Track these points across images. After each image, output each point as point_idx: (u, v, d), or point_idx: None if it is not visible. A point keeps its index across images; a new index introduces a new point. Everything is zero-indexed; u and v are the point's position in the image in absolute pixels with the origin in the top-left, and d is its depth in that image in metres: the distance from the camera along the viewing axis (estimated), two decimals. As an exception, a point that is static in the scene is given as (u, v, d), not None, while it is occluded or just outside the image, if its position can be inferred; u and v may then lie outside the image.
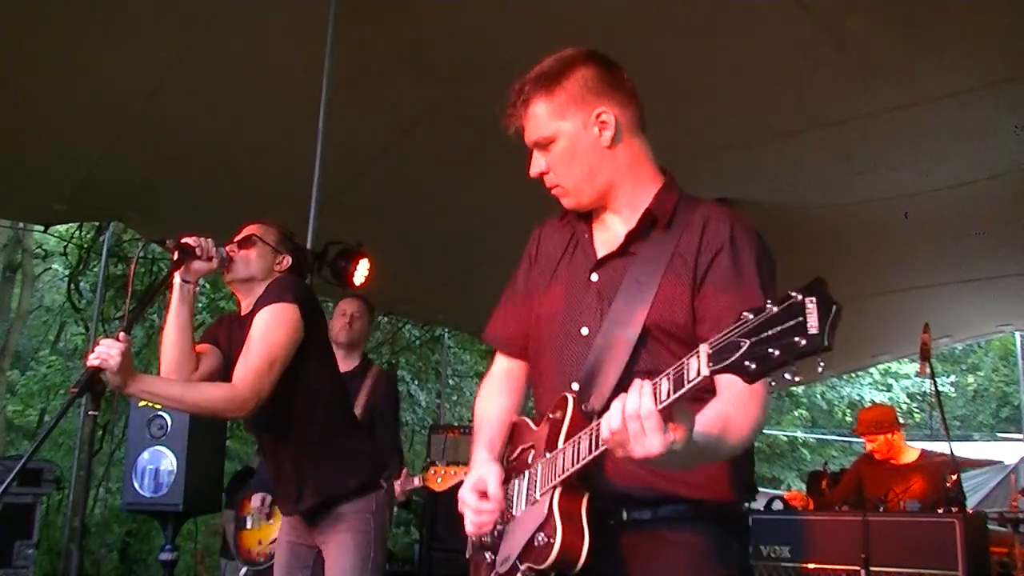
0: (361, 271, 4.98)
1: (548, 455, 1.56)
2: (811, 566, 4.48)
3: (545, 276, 1.81)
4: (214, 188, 5.28)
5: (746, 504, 1.73)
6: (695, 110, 4.48)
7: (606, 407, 1.41)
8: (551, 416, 1.60)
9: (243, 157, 5.00)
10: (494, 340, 1.94)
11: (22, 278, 11.61)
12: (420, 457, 10.98)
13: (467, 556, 1.79)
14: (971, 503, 6.60)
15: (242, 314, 2.82)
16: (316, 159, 4.00)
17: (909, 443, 5.19)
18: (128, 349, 2.25)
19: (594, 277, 1.69)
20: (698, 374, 1.19)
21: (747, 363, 1.12)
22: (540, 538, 1.49)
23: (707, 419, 1.41)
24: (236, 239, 2.81)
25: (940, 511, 4.31)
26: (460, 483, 3.36)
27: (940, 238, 6.10)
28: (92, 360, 2.21)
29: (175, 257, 2.61)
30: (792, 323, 1.07)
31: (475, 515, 1.66)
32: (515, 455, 1.72)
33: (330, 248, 4.90)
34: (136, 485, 4.26)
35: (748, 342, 1.12)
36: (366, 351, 4.55)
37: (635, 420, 1.27)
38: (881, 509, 4.50)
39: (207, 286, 10.93)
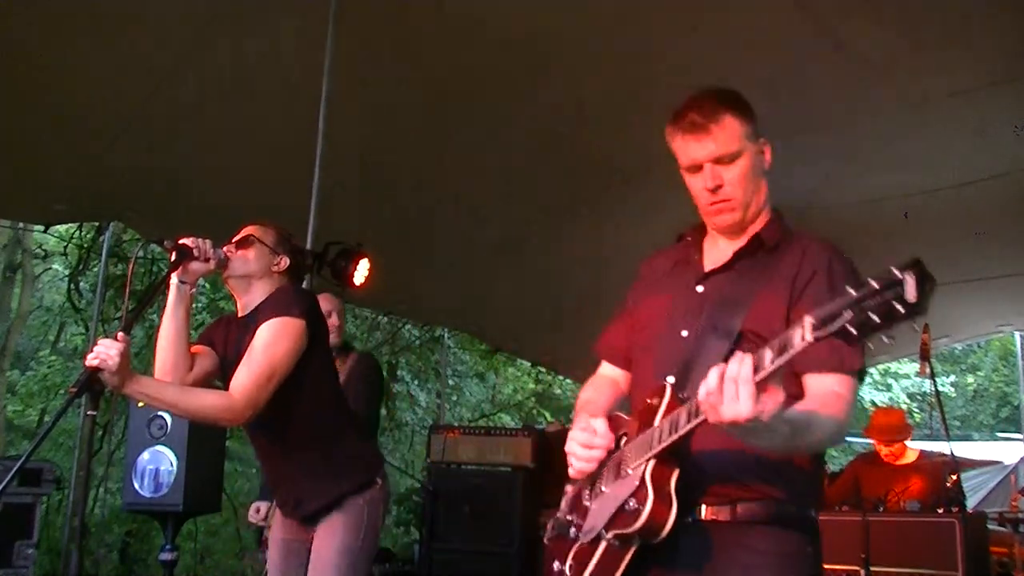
0: (361, 271, 4.97)
1: (640, 435, 1.66)
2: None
3: (651, 289, 1.97)
4: (214, 188, 5.28)
5: (814, 511, 1.81)
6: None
7: None
8: (648, 401, 1.69)
9: (243, 157, 5.00)
10: (600, 351, 2.10)
11: (22, 278, 11.59)
12: (420, 457, 10.97)
13: (545, 541, 1.87)
14: (971, 503, 6.60)
15: (240, 315, 2.82)
16: (316, 159, 4.00)
17: (907, 443, 5.20)
18: (126, 349, 2.25)
19: (700, 288, 1.84)
20: (802, 339, 1.30)
21: (849, 327, 1.24)
22: (630, 504, 1.58)
23: (798, 412, 1.54)
24: (234, 239, 2.81)
25: (940, 511, 4.31)
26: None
27: (940, 238, 6.09)
28: (91, 360, 2.21)
29: (172, 258, 2.60)
30: (891, 294, 1.21)
31: (584, 450, 1.77)
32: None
33: (330, 248, 4.89)
34: (136, 485, 4.25)
35: (850, 312, 1.24)
36: (367, 351, 4.60)
37: (731, 383, 1.38)
38: (881, 509, 4.50)
39: (207, 286, 10.92)
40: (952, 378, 19.49)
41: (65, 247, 10.35)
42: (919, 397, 17.88)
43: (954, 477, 4.50)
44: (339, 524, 2.76)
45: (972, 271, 6.81)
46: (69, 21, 3.87)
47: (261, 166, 5.03)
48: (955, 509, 4.27)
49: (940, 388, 5.52)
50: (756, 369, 1.38)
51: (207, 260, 2.63)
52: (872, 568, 4.16)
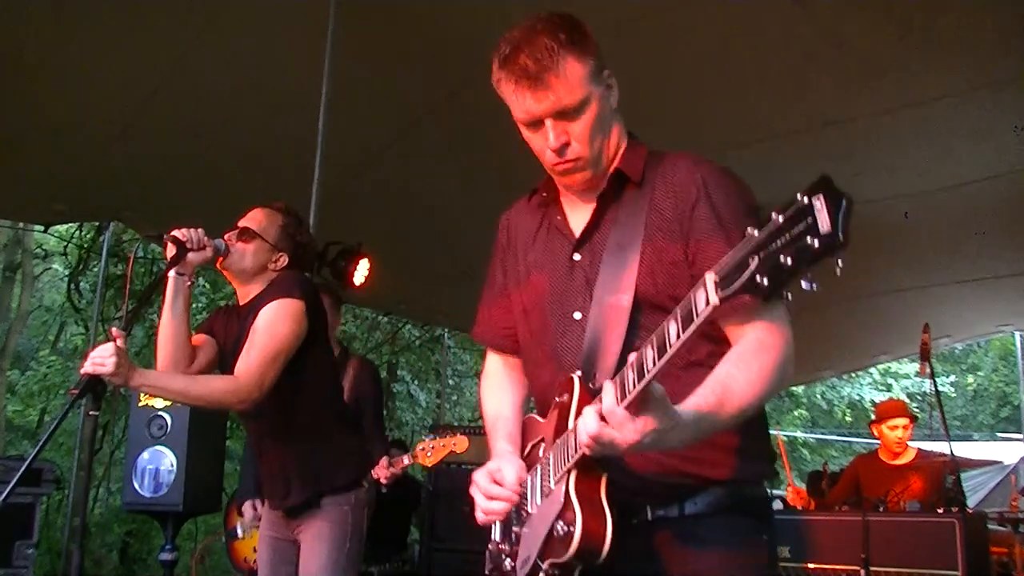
0: (361, 271, 4.98)
1: (557, 441, 1.47)
2: (811, 566, 4.48)
3: (523, 264, 1.72)
4: (214, 188, 5.28)
5: (768, 486, 1.65)
6: (695, 110, 4.48)
7: None
8: (558, 400, 1.52)
9: (243, 157, 4.99)
10: (483, 339, 1.86)
11: (22, 278, 11.59)
12: (420, 457, 10.94)
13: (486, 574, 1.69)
14: (971, 503, 6.61)
15: (241, 303, 2.81)
16: (316, 159, 4.00)
17: (908, 443, 5.20)
18: (122, 348, 2.22)
19: (576, 257, 1.60)
20: (707, 304, 1.10)
21: (759, 278, 1.03)
22: (559, 528, 1.39)
23: (702, 390, 1.34)
24: (239, 224, 2.79)
25: (940, 511, 4.31)
26: (450, 454, 3.34)
27: (940, 238, 6.10)
28: (86, 368, 2.18)
29: (167, 252, 2.58)
30: (801, 227, 1.00)
31: (486, 500, 1.55)
32: (526, 453, 1.64)
33: (330, 248, 4.90)
34: (136, 485, 4.25)
35: (756, 258, 1.04)
36: (367, 351, 4.65)
37: (603, 421, 1.25)
38: (881, 509, 4.50)
39: (206, 286, 10.92)
40: (952, 378, 19.51)
41: (65, 247, 10.36)
42: (919, 397, 17.89)
43: (954, 477, 4.51)
44: (326, 530, 2.74)
45: (972, 271, 6.81)
46: (69, 21, 3.87)
47: (261, 166, 5.03)
48: (955, 509, 4.27)
49: (940, 388, 5.52)
50: (622, 395, 1.23)
51: (202, 249, 2.61)
52: (872, 568, 4.16)
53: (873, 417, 5.31)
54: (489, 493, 1.55)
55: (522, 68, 1.48)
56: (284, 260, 2.81)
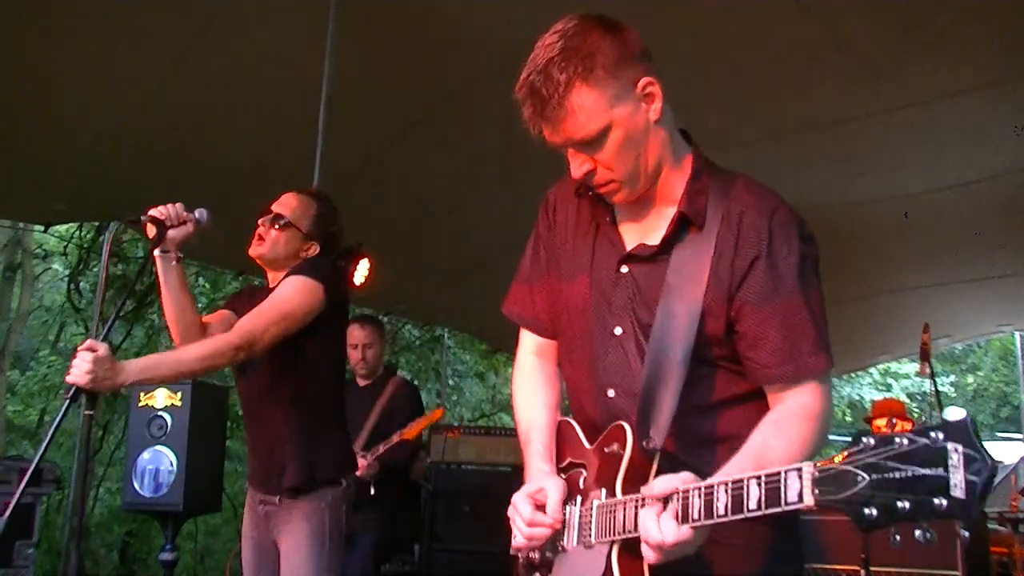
0: (361, 271, 4.98)
1: (605, 497, 1.43)
2: (811, 566, 4.47)
3: (567, 257, 1.63)
4: (214, 188, 5.27)
5: None
6: (694, 110, 4.47)
7: (666, 444, 1.40)
8: (606, 450, 1.46)
9: (243, 157, 4.99)
10: (520, 318, 1.74)
11: (22, 278, 11.58)
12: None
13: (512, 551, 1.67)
14: (971, 503, 6.60)
15: (270, 286, 2.86)
16: (316, 159, 4.00)
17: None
18: (101, 356, 2.18)
19: (623, 269, 1.53)
20: (799, 499, 1.04)
21: (866, 509, 0.96)
22: None
23: (736, 463, 1.30)
24: (272, 208, 2.85)
25: (940, 511, 4.31)
26: (427, 423, 3.77)
27: (940, 238, 6.10)
28: (69, 378, 2.17)
29: (148, 233, 2.53)
30: (929, 473, 0.90)
31: (527, 527, 1.49)
32: (564, 467, 1.59)
33: (330, 248, 4.88)
34: (136, 485, 4.25)
35: (867, 479, 0.96)
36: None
37: (666, 549, 1.26)
38: (881, 509, 4.51)
39: (207, 286, 10.90)
40: (952, 378, 19.50)
41: (65, 247, 10.36)
42: (919, 397, 17.90)
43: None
44: (303, 532, 2.73)
45: (972, 271, 6.82)
46: (69, 21, 3.87)
47: (261, 166, 5.03)
48: (955, 509, 4.28)
49: (940, 388, 5.52)
50: (684, 516, 1.23)
51: (182, 224, 2.55)
52: (872, 568, 4.16)
53: (869, 415, 5.32)
54: (532, 520, 1.48)
55: (532, 101, 1.41)
56: (315, 249, 2.87)
